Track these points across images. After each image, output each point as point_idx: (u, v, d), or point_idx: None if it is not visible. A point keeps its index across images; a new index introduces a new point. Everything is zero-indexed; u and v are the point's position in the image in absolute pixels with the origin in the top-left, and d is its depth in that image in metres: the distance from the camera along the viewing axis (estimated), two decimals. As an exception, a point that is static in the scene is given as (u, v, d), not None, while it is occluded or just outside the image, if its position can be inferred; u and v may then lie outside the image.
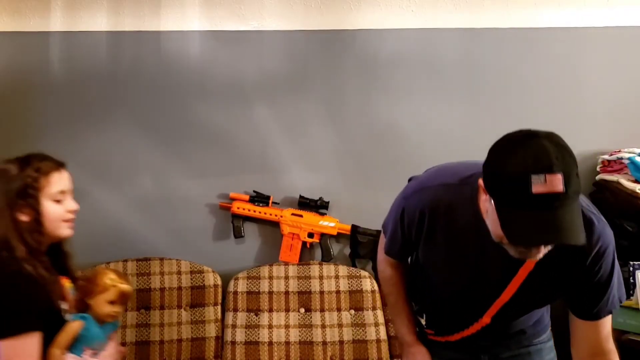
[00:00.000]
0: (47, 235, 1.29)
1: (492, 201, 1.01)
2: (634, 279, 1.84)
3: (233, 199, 2.07)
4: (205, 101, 2.08)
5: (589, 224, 1.09)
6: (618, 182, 1.97)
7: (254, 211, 2.06)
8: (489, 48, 2.10)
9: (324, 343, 1.96)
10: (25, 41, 2.02)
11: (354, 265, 2.09)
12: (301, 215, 2.07)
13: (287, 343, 1.95)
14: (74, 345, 1.27)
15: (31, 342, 1.16)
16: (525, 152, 0.95)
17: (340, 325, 1.98)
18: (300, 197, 2.07)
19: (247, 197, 2.06)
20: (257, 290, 2.01)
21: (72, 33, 2.03)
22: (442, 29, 2.09)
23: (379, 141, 2.10)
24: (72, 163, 2.03)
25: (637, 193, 1.91)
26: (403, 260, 1.40)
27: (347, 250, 2.12)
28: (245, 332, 1.95)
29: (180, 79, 2.07)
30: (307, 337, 1.96)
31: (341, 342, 1.96)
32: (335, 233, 2.09)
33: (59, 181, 1.31)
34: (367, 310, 2.01)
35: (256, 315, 1.99)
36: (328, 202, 2.08)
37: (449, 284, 1.27)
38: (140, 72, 2.06)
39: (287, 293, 2.01)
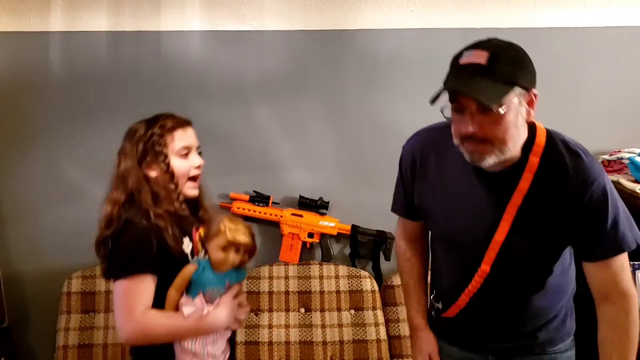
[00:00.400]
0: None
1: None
2: (634, 278, 1.84)
3: (233, 199, 2.07)
4: (205, 101, 2.08)
5: (574, 154, 1.13)
6: (618, 182, 1.97)
7: (254, 211, 2.06)
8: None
9: (324, 343, 1.96)
10: (25, 41, 2.01)
11: (354, 265, 2.09)
12: (301, 215, 2.07)
13: (287, 343, 1.95)
14: (191, 289, 1.27)
15: (139, 284, 1.22)
16: (474, 43, 1.07)
17: (340, 325, 1.98)
18: (300, 197, 2.07)
19: (247, 197, 2.06)
20: (257, 290, 2.01)
21: (72, 33, 2.02)
22: (442, 29, 2.08)
23: (379, 141, 2.10)
24: (71, 162, 2.06)
25: (637, 193, 1.91)
26: (409, 217, 1.36)
27: (347, 250, 2.12)
28: (245, 332, 1.96)
29: (180, 79, 2.06)
30: (307, 337, 1.96)
31: (341, 342, 1.96)
32: (335, 233, 2.09)
33: (183, 137, 1.34)
34: (367, 310, 2.01)
35: (256, 315, 1.99)
36: (328, 202, 2.07)
37: (446, 231, 1.27)
38: (140, 72, 2.05)
39: (287, 293, 2.01)
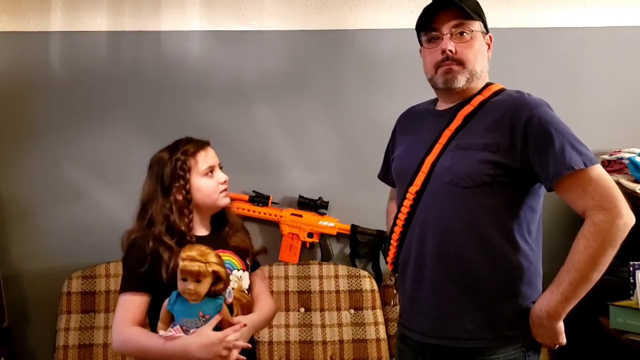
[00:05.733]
0: (206, 208, 1.44)
1: (420, 35, 1.28)
2: (634, 279, 1.84)
3: (232, 199, 2.06)
4: (205, 101, 2.08)
5: (520, 92, 1.24)
6: (618, 182, 1.97)
7: (254, 211, 2.06)
8: (492, 41, 2.10)
9: (324, 342, 1.96)
10: (25, 41, 2.02)
11: (353, 265, 2.10)
12: (301, 215, 2.07)
13: (287, 342, 1.96)
14: (175, 320, 1.30)
15: (130, 301, 1.35)
16: None
17: (339, 325, 1.99)
18: (300, 197, 2.07)
19: (246, 197, 2.06)
20: (257, 290, 2.01)
21: (72, 33, 2.03)
22: (443, 29, 2.09)
23: (379, 141, 2.09)
24: (72, 163, 2.06)
25: (637, 193, 1.92)
26: (385, 180, 1.50)
27: (347, 250, 2.12)
28: (245, 331, 1.96)
29: (180, 79, 2.06)
30: (307, 337, 1.97)
31: (341, 342, 1.97)
32: (334, 233, 2.09)
33: (206, 158, 1.43)
34: (367, 309, 2.01)
35: (256, 315, 1.99)
36: (327, 202, 2.08)
37: (396, 167, 1.36)
38: (140, 72, 2.05)
39: (287, 293, 2.01)
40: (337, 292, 2.03)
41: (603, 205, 1.10)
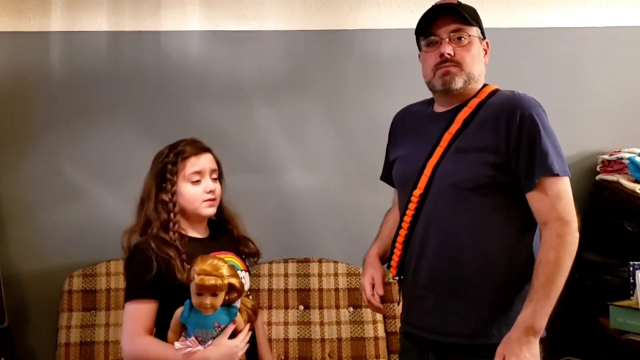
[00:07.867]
0: (188, 215, 1.39)
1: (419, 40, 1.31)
2: (634, 279, 1.84)
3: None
4: (205, 101, 2.08)
5: (514, 92, 1.26)
6: (618, 182, 1.97)
7: None
8: (489, 47, 2.10)
9: (322, 340, 1.97)
10: (25, 41, 2.02)
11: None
12: None
13: (286, 340, 1.97)
14: (188, 331, 1.28)
15: (136, 309, 1.31)
16: None
17: (338, 323, 2.00)
18: None
19: None
20: (256, 288, 2.02)
21: (72, 33, 2.03)
22: (443, 29, 2.09)
23: (379, 141, 2.09)
24: (72, 163, 2.08)
25: (637, 193, 1.92)
26: (387, 181, 1.47)
27: (349, 249, 2.11)
28: (244, 329, 1.97)
29: (180, 78, 2.07)
30: (306, 335, 1.98)
31: (339, 340, 1.98)
32: None
33: (196, 163, 1.39)
34: (366, 307, 2.01)
35: (255, 313, 2.00)
36: None
37: (397, 170, 1.37)
38: (141, 72, 2.06)
39: (286, 290, 2.02)
40: (336, 290, 2.03)
41: (565, 218, 1.17)
